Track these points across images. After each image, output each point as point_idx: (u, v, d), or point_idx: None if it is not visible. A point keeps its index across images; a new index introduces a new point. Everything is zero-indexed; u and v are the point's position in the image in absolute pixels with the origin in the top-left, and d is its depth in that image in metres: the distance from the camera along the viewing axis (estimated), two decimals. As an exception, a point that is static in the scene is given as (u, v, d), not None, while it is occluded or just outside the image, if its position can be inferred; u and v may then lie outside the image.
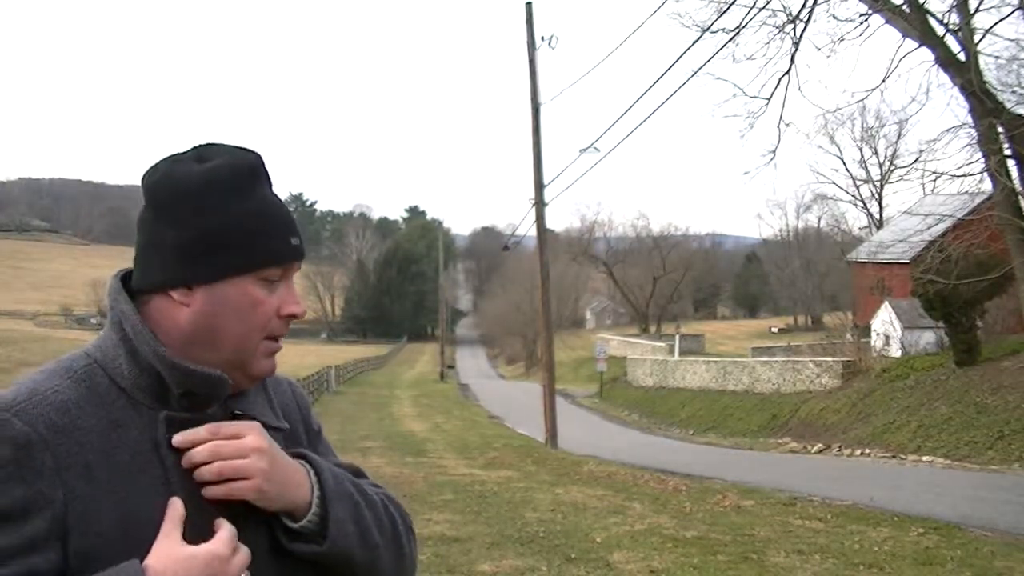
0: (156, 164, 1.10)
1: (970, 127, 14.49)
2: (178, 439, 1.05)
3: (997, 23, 14.43)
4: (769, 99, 16.26)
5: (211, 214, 1.06)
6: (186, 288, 1.07)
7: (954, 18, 14.20)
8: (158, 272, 1.08)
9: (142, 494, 1.01)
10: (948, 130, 15.12)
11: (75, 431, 1.00)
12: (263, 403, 1.19)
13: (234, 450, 1.05)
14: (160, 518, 1.01)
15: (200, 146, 1.12)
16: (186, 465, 1.04)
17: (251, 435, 1.07)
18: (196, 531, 1.02)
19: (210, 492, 1.05)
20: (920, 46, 14.58)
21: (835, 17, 15.68)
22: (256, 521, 1.10)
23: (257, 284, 1.08)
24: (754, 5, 14.62)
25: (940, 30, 14.39)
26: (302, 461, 1.14)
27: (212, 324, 1.07)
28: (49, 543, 0.97)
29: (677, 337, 46.50)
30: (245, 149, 1.12)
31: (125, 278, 1.13)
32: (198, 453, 1.05)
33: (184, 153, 1.11)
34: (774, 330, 66.82)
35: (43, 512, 0.97)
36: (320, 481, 1.13)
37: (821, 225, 69.49)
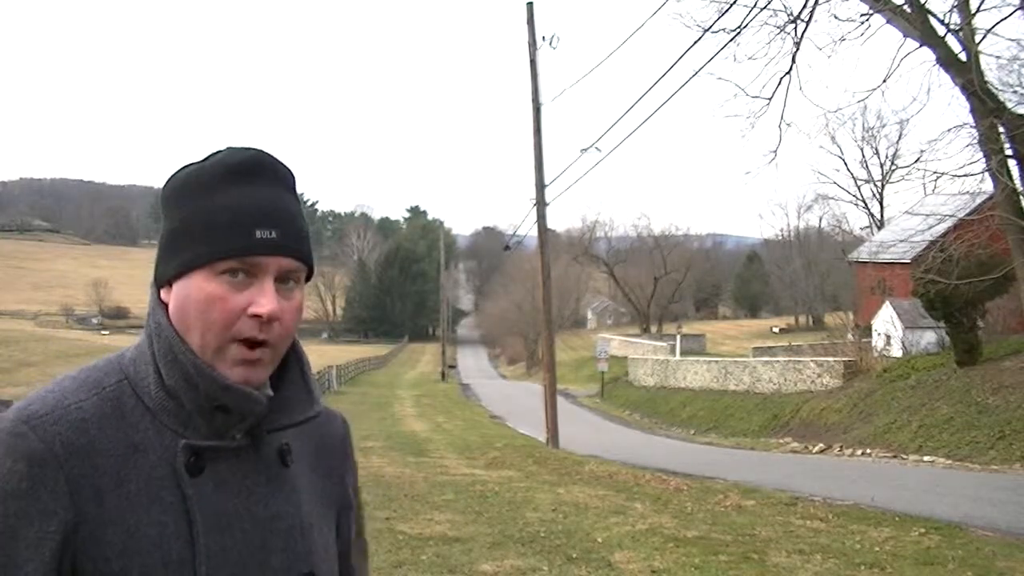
0: None
1: (971, 127, 14.49)
2: None
3: (998, 23, 14.47)
4: (770, 99, 16.25)
5: (181, 210, 1.05)
6: (167, 285, 1.06)
7: (955, 18, 14.20)
8: (154, 274, 1.09)
9: (153, 521, 0.99)
10: (949, 130, 15.13)
11: (91, 452, 0.99)
12: (294, 399, 1.13)
13: None
14: (169, 546, 0.99)
15: (222, 149, 1.10)
16: None
17: None
18: (216, 565, 1.01)
19: None
20: (921, 46, 14.57)
21: (836, 17, 15.69)
22: (313, 508, 1.13)
23: (215, 280, 1.02)
24: (755, 5, 14.60)
25: (941, 30, 14.39)
26: None
27: (181, 321, 1.04)
28: (56, 561, 0.96)
29: (678, 337, 46.52)
30: (250, 149, 1.09)
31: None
32: None
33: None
34: (775, 330, 66.84)
35: (53, 531, 0.96)
36: None
37: (822, 225, 69.74)
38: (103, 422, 1.01)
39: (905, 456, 15.86)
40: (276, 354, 1.07)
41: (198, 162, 1.09)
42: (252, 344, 1.03)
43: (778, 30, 15.53)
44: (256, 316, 1.02)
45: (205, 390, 1.02)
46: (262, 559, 1.04)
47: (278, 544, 1.06)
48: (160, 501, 1.00)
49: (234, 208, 1.03)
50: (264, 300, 1.02)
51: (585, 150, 17.22)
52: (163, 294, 1.07)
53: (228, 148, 1.09)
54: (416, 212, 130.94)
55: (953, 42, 14.33)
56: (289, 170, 1.11)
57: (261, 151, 1.09)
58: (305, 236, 1.08)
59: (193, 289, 1.03)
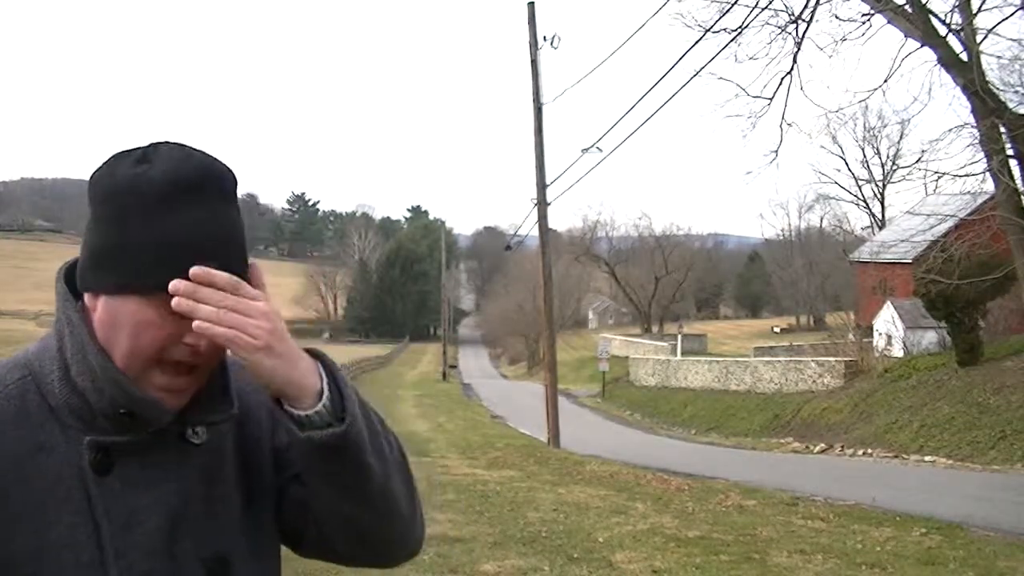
0: (107, 158, 1.02)
1: (972, 127, 14.50)
2: (197, 271, 0.96)
3: (999, 23, 14.43)
4: (771, 99, 16.25)
5: (125, 225, 0.98)
6: (93, 294, 1.02)
7: (956, 18, 14.19)
8: (79, 272, 1.04)
9: (63, 521, 0.98)
10: (950, 130, 15.16)
11: None
12: (208, 398, 1.08)
13: (245, 307, 0.97)
14: (80, 546, 0.98)
15: (153, 144, 1.02)
16: (184, 308, 0.95)
17: (265, 303, 0.99)
18: (126, 565, 0.99)
19: (211, 331, 0.95)
20: (922, 46, 14.56)
21: (837, 17, 15.63)
22: (225, 484, 1.08)
23: (149, 306, 0.98)
24: (756, 5, 14.61)
25: (942, 30, 14.39)
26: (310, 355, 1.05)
27: (107, 336, 1.00)
28: None
29: (679, 337, 46.45)
30: (196, 155, 1.02)
31: (71, 272, 1.06)
32: (208, 295, 0.96)
33: (135, 150, 1.02)
34: (776, 330, 66.77)
35: None
36: (330, 371, 1.04)
37: (823, 225, 69.63)
38: (6, 421, 0.99)
39: (906, 456, 15.86)
40: (204, 374, 1.04)
41: (132, 158, 1.01)
42: (180, 370, 1.01)
43: (779, 30, 15.55)
44: (188, 345, 0.99)
45: (111, 395, 0.99)
46: (169, 549, 1.02)
47: (188, 531, 1.04)
48: (68, 501, 0.98)
49: (179, 239, 0.98)
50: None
51: (586, 150, 17.25)
52: (87, 299, 1.02)
53: (168, 147, 1.02)
54: (417, 212, 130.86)
55: (954, 42, 14.33)
56: (231, 175, 1.05)
57: (206, 159, 1.02)
58: (244, 254, 1.03)
59: (126, 312, 0.99)
